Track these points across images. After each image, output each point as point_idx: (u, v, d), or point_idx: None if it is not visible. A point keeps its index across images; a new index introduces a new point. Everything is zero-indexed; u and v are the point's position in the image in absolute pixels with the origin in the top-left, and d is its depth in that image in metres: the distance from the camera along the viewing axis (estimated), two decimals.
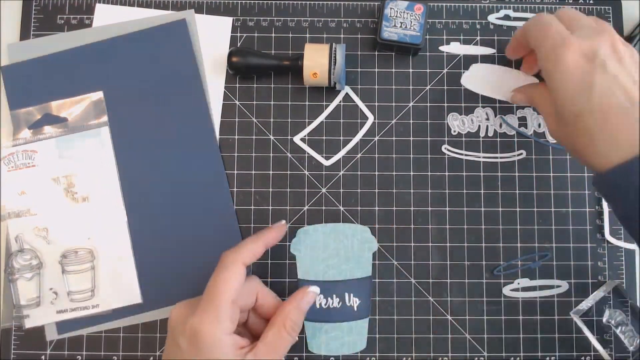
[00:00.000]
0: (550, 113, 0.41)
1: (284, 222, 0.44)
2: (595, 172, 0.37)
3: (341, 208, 0.47)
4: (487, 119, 0.48)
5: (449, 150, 0.48)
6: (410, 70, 0.49)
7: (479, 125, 0.48)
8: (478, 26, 0.50)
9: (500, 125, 0.48)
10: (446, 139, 0.48)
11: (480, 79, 0.48)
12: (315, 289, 0.43)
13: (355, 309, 0.45)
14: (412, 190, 0.48)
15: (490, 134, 0.48)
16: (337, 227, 0.46)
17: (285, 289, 0.46)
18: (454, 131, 0.48)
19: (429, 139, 0.48)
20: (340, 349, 0.45)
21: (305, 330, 0.45)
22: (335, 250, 0.46)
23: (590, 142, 0.36)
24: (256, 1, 0.50)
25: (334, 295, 0.45)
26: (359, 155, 0.48)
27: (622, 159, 0.35)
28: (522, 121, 0.48)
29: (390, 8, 0.46)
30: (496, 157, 0.48)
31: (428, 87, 0.49)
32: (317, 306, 0.45)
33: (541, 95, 0.42)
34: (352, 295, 0.45)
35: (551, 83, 0.38)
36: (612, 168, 0.35)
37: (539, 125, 0.48)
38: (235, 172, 0.48)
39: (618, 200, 0.37)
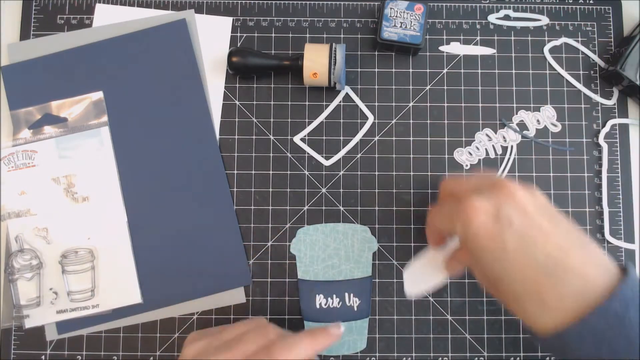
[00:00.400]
0: (471, 266, 0.38)
1: (341, 326, 0.40)
2: (535, 334, 0.34)
3: (341, 208, 0.47)
4: (490, 139, 0.48)
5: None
6: (410, 70, 0.49)
7: (485, 149, 0.48)
8: (478, 26, 0.50)
9: (504, 139, 0.48)
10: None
11: (419, 277, 0.43)
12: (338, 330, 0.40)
13: (356, 308, 0.45)
14: (412, 190, 0.48)
15: (499, 151, 0.48)
16: (337, 227, 0.46)
17: (286, 289, 0.47)
18: (466, 165, 0.48)
19: (429, 139, 0.48)
20: (340, 349, 0.45)
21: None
22: (335, 250, 0.46)
23: (520, 306, 0.33)
24: (256, 1, 0.50)
25: (334, 295, 0.45)
26: (359, 155, 0.48)
27: (556, 324, 0.32)
28: (522, 124, 0.49)
29: (390, 8, 0.46)
30: (496, 157, 0.48)
31: (428, 87, 0.49)
32: (317, 306, 0.45)
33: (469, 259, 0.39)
34: (352, 295, 0.45)
35: (471, 252, 0.35)
36: (550, 335, 0.32)
37: (538, 121, 0.48)
38: (235, 172, 0.48)
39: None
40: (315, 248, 0.46)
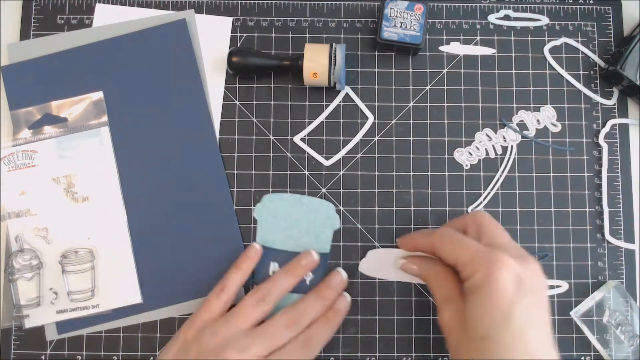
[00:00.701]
0: (448, 299, 0.37)
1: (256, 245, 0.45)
2: None
3: (341, 208, 0.47)
4: (490, 139, 0.48)
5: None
6: (410, 70, 0.49)
7: (486, 149, 0.48)
8: (478, 26, 0.50)
9: (504, 139, 0.48)
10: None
11: (377, 264, 0.45)
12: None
13: (308, 282, 0.45)
14: (412, 191, 0.48)
15: (499, 152, 0.48)
16: (303, 200, 0.47)
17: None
18: (466, 165, 0.48)
19: (428, 139, 0.48)
20: None
21: None
22: (297, 222, 0.46)
23: None
24: (256, 1, 0.50)
25: None
26: (359, 155, 0.48)
27: None
28: (522, 124, 0.49)
29: (390, 8, 0.46)
30: (496, 157, 0.48)
31: (428, 87, 0.49)
32: (270, 273, 0.45)
33: (440, 277, 0.39)
34: None
35: (471, 294, 0.35)
36: None
37: (538, 121, 0.48)
38: (235, 172, 0.48)
39: None
40: (278, 216, 0.46)
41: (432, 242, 0.39)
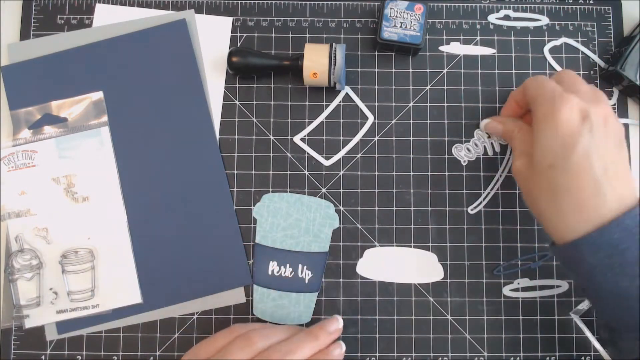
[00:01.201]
0: (524, 152, 0.41)
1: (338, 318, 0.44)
2: (550, 239, 0.39)
3: (341, 208, 0.47)
4: (489, 137, 0.48)
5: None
6: (410, 70, 0.49)
7: (484, 146, 0.48)
8: (478, 26, 0.50)
9: None
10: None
11: (375, 263, 0.47)
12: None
13: (307, 281, 0.46)
14: (412, 190, 0.48)
15: (497, 149, 0.48)
16: (302, 199, 0.47)
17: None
18: (464, 161, 0.48)
19: (428, 139, 0.48)
20: (285, 319, 0.46)
21: (253, 293, 0.46)
22: (297, 221, 0.46)
23: (552, 198, 0.37)
24: (256, 1, 0.50)
25: (288, 265, 0.46)
26: (359, 155, 0.48)
27: (577, 233, 0.36)
28: None
29: (390, 8, 0.46)
30: (496, 157, 0.48)
31: (428, 87, 0.49)
32: (269, 272, 0.45)
33: (522, 132, 0.42)
34: (305, 267, 0.46)
35: (538, 128, 0.38)
36: (570, 241, 0.36)
37: None
38: (235, 172, 0.48)
39: (573, 270, 0.38)
40: (278, 215, 0.46)
41: (524, 85, 0.42)
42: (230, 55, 0.46)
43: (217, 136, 0.48)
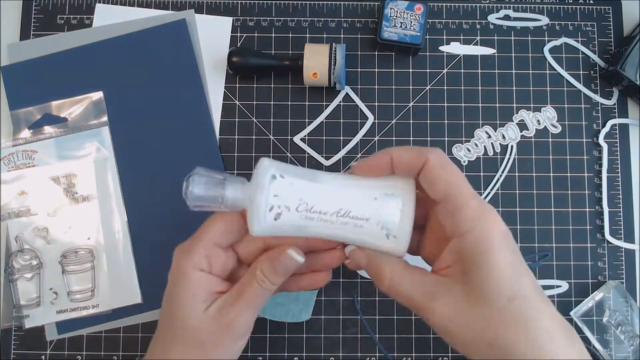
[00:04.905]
0: (428, 293, 0.31)
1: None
2: None
3: None
4: (489, 137, 0.48)
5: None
6: (410, 70, 0.49)
7: (484, 147, 0.48)
8: (478, 26, 0.50)
9: (504, 137, 0.48)
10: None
11: None
12: (296, 255, 0.33)
13: None
14: None
15: (498, 150, 0.48)
16: None
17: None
18: (464, 162, 0.48)
19: (428, 139, 0.48)
20: (285, 316, 0.45)
21: None
22: None
23: (524, 330, 0.29)
24: (256, 1, 0.50)
25: None
26: (359, 155, 0.48)
27: (567, 355, 0.30)
28: (522, 123, 0.49)
29: (390, 8, 0.46)
30: (496, 157, 0.48)
31: (428, 87, 0.49)
32: None
33: (410, 270, 0.32)
34: None
35: (483, 254, 0.29)
36: None
37: (538, 122, 0.48)
38: (235, 172, 0.48)
39: None
40: None
41: (424, 157, 0.31)
42: (230, 55, 0.46)
43: (217, 136, 0.48)
